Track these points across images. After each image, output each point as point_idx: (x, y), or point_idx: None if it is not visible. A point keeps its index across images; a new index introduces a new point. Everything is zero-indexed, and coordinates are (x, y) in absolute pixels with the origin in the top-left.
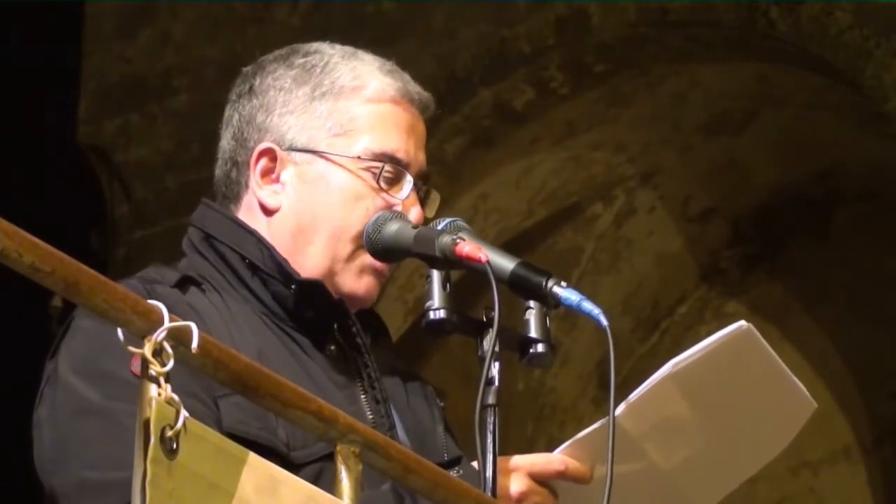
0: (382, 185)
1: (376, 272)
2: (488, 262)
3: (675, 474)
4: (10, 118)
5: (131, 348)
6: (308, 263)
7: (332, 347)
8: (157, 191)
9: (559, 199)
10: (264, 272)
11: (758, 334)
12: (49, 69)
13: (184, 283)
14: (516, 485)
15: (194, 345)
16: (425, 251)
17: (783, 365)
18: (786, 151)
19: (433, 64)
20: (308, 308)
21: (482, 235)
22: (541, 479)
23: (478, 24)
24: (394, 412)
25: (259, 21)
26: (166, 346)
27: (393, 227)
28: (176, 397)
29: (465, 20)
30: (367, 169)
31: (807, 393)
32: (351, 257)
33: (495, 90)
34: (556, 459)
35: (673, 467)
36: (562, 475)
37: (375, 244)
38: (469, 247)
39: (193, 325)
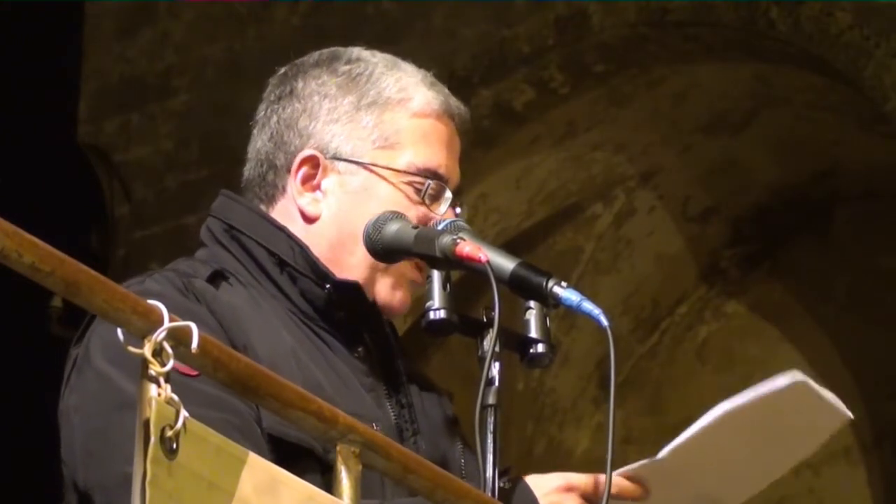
0: (426, 200)
1: (412, 284)
2: (488, 262)
3: (710, 484)
4: (11, 118)
5: (131, 348)
6: (346, 272)
7: (360, 349)
8: (157, 191)
9: (559, 199)
10: (294, 269)
11: (812, 384)
12: (49, 69)
13: (215, 278)
14: None
15: (194, 345)
16: (425, 251)
17: (828, 396)
18: (786, 151)
19: (433, 64)
20: (340, 308)
21: (482, 235)
22: (593, 500)
23: (478, 24)
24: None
25: (259, 21)
26: (166, 346)
27: (393, 227)
28: (176, 397)
29: (465, 20)
30: (410, 183)
31: (842, 406)
32: (389, 268)
33: (495, 90)
34: (613, 482)
35: (710, 481)
36: (615, 496)
37: (376, 244)
38: (469, 247)
39: (193, 325)
